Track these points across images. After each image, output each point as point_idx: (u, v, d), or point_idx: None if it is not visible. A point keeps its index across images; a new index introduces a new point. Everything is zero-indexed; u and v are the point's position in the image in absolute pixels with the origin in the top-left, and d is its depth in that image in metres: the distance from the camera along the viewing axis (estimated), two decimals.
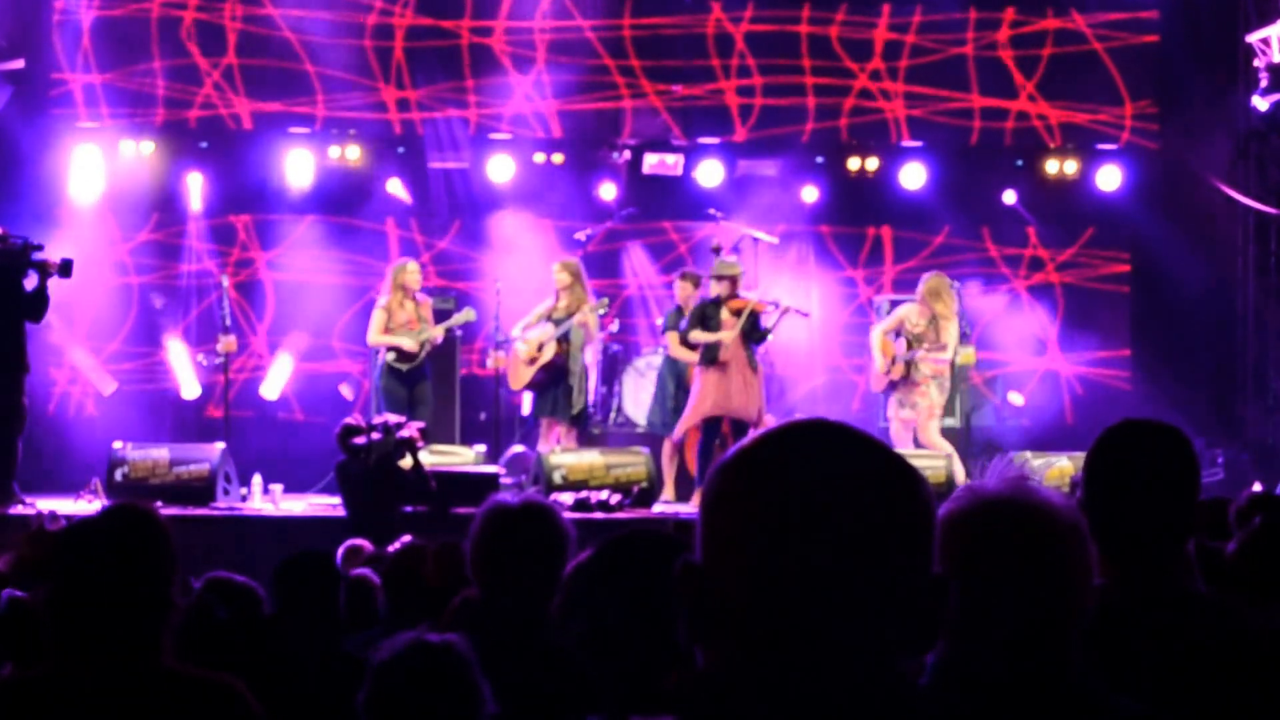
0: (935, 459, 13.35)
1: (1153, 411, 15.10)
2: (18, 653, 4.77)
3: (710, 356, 13.26)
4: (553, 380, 13.88)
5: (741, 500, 1.75)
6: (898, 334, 13.96)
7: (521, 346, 13.94)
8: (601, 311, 14.29)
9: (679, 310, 14.04)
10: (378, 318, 13.88)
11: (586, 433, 14.36)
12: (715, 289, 13.44)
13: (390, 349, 13.81)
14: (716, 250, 14.26)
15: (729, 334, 13.20)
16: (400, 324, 13.81)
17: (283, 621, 5.50)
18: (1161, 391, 16.08)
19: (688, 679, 1.78)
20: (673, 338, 13.91)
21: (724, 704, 1.74)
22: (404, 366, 13.80)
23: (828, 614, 1.71)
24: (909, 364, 13.77)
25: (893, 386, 13.93)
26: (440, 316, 14.24)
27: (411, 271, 13.97)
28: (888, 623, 1.73)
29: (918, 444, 13.77)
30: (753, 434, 1.83)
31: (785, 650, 1.72)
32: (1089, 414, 16.29)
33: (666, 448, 14.14)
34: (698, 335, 13.34)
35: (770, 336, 13.59)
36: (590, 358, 14.79)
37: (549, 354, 13.84)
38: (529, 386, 14.05)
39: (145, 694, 3.33)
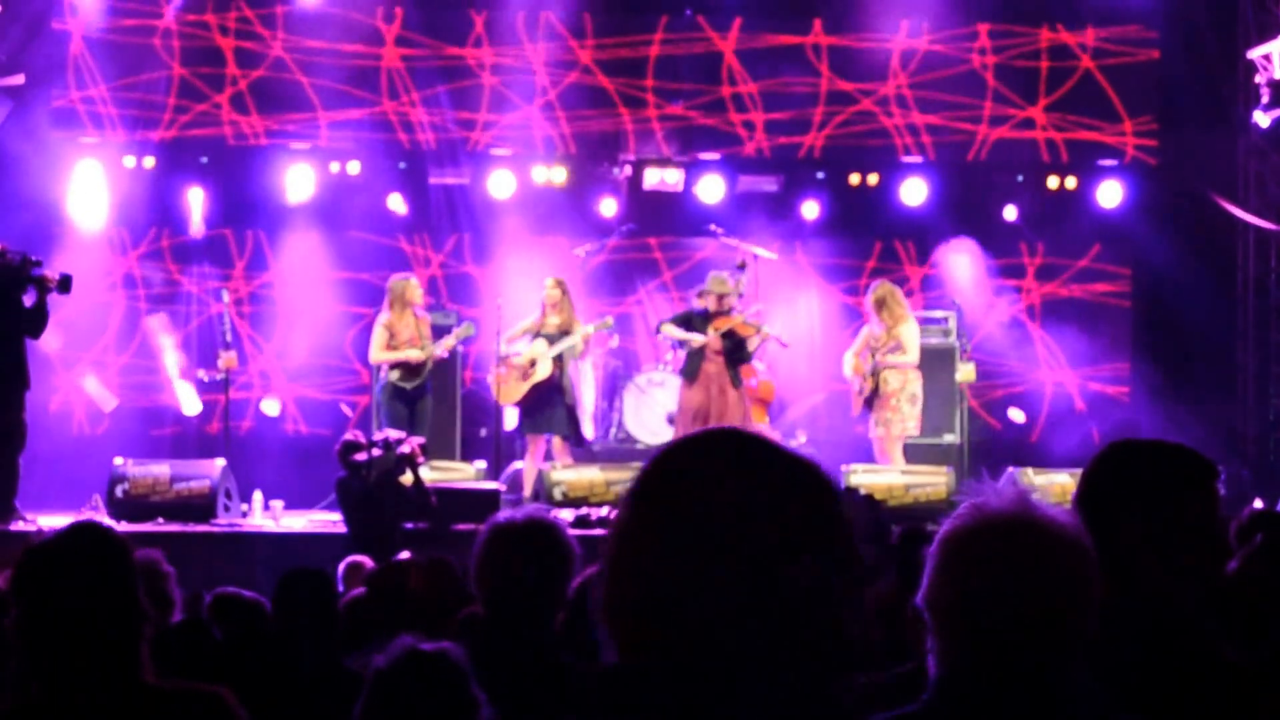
0: (937, 475, 13.35)
1: (1151, 426, 15.13)
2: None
3: (690, 372, 13.30)
4: (544, 397, 13.82)
5: (649, 507, 1.80)
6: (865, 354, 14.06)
7: (518, 361, 13.88)
8: (607, 329, 14.28)
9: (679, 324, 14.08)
10: (379, 335, 13.82)
11: (585, 449, 14.34)
12: (700, 301, 13.53)
13: (394, 366, 13.75)
14: (742, 266, 14.27)
15: (699, 338, 13.24)
16: (403, 340, 13.76)
17: (282, 637, 5.50)
18: (1162, 407, 16.08)
19: (592, 678, 1.81)
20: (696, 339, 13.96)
21: (628, 702, 1.77)
22: (409, 385, 13.73)
23: (728, 617, 1.75)
24: (875, 375, 13.81)
25: (868, 406, 13.95)
26: (440, 332, 14.22)
27: (414, 288, 13.92)
28: (790, 627, 1.76)
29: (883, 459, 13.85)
30: (664, 444, 1.87)
31: (689, 650, 1.75)
32: (1089, 430, 16.28)
33: None
34: (669, 329, 13.42)
35: (751, 359, 13.65)
36: (588, 373, 14.79)
37: (545, 371, 13.78)
38: (519, 403, 13.97)
39: (129, 712, 3.30)
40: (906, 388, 13.94)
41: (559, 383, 13.83)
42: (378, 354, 13.84)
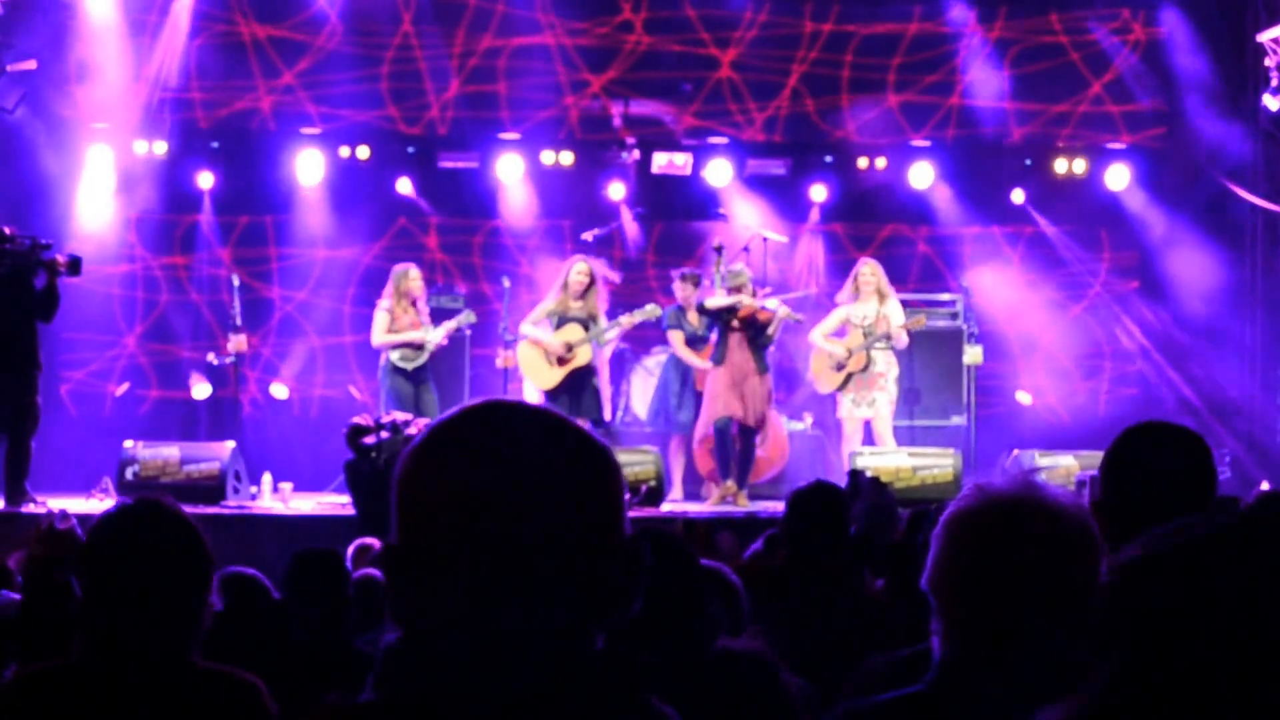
0: (943, 457, 13.38)
1: (1159, 410, 15.13)
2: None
3: (719, 358, 13.31)
4: (579, 383, 13.76)
5: (431, 478, 1.83)
6: (840, 334, 14.09)
7: (549, 345, 13.70)
8: (655, 318, 14.21)
9: (680, 310, 14.06)
10: (380, 319, 13.85)
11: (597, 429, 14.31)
12: (683, 290, 13.54)
13: (394, 348, 13.78)
14: (719, 249, 14.25)
15: (746, 298, 13.21)
16: (403, 328, 13.78)
17: (293, 618, 5.53)
18: (1169, 390, 16.08)
19: (386, 657, 1.84)
20: (676, 337, 13.95)
21: (422, 677, 1.80)
22: (408, 365, 13.77)
23: (514, 582, 1.78)
24: (868, 353, 13.85)
25: (844, 385, 13.98)
26: (447, 314, 14.24)
27: (414, 278, 13.93)
28: (577, 589, 1.81)
29: (871, 442, 13.89)
30: (443, 414, 1.90)
31: (477, 619, 1.79)
32: (1096, 413, 16.29)
33: (674, 446, 14.16)
34: (713, 301, 13.38)
35: (773, 342, 13.65)
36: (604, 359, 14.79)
37: (586, 358, 13.69)
38: (554, 388, 13.79)
39: (170, 689, 3.34)
40: (892, 369, 14.02)
41: (593, 367, 13.78)
42: (379, 337, 13.87)
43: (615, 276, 14.53)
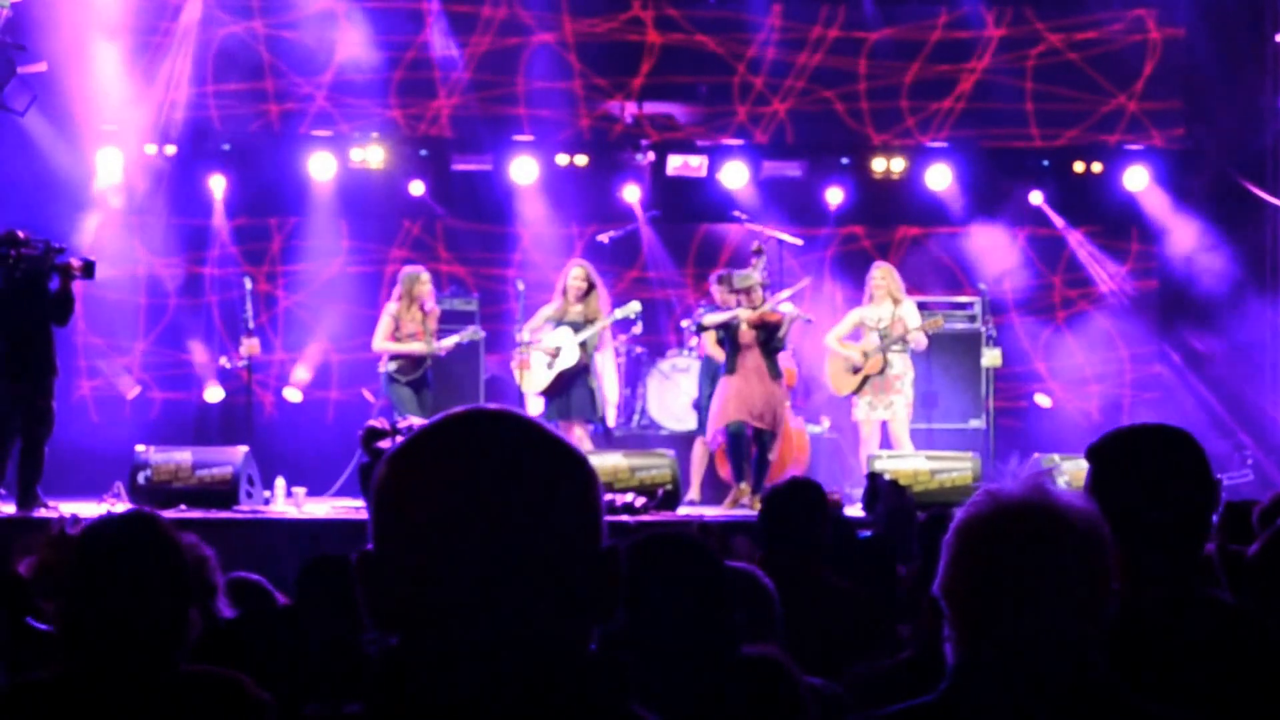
0: (962, 461, 13.32)
1: (1180, 412, 15.06)
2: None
3: (731, 366, 13.30)
4: (569, 383, 13.80)
5: (408, 486, 1.82)
6: (855, 337, 14.08)
7: (541, 350, 13.80)
8: (635, 314, 14.20)
9: (716, 310, 14.03)
10: (385, 323, 13.85)
11: (607, 434, 14.34)
12: (734, 299, 13.51)
13: (392, 358, 13.77)
14: (758, 251, 14.23)
15: (742, 312, 13.20)
16: (406, 334, 13.78)
17: (305, 623, 5.49)
18: (1189, 392, 16.00)
19: (372, 666, 1.84)
20: (709, 337, 13.93)
21: (405, 686, 1.80)
22: (404, 379, 13.78)
23: (494, 592, 1.79)
24: (885, 356, 13.85)
25: (860, 388, 13.97)
26: (460, 317, 14.24)
27: (424, 282, 13.92)
28: (556, 597, 1.81)
29: (888, 445, 13.86)
30: (424, 422, 1.91)
31: (457, 628, 1.79)
32: (1116, 414, 16.23)
33: (697, 450, 14.13)
34: (711, 317, 13.41)
35: (785, 345, 13.61)
36: (610, 363, 14.76)
37: (572, 359, 13.74)
38: (544, 391, 13.91)
39: (154, 696, 3.34)
40: (909, 372, 14.00)
41: (584, 367, 13.81)
42: (380, 342, 13.87)
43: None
